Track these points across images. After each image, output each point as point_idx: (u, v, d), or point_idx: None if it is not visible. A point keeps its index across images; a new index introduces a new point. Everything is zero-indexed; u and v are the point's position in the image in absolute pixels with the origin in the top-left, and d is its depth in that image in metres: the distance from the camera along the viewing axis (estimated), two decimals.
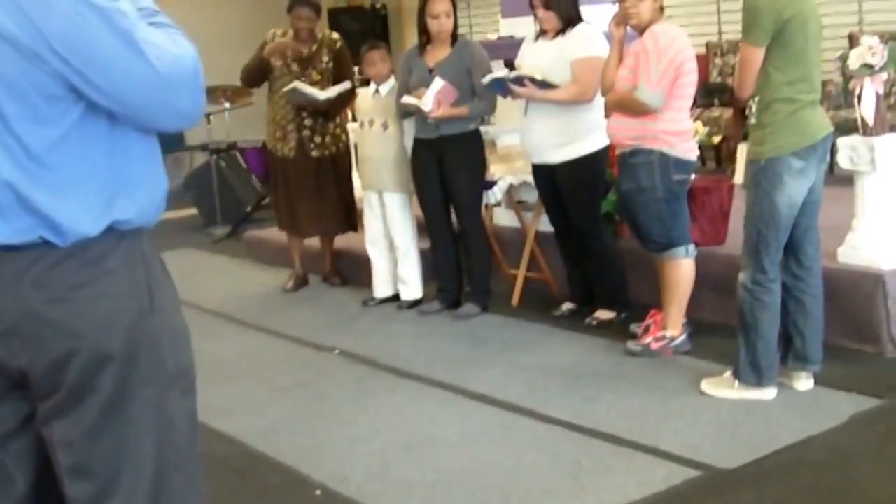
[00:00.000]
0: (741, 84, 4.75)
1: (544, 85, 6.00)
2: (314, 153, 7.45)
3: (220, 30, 12.64)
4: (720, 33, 10.71)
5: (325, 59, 7.42)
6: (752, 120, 4.77)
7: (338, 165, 7.53)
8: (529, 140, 6.27)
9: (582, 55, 6.00)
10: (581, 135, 6.08)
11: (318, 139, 7.46)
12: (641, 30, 5.45)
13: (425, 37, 6.62)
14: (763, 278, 4.73)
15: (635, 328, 5.90)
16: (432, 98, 6.36)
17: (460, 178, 6.60)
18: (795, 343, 4.88)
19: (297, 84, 7.19)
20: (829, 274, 5.45)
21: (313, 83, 7.30)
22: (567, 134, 6.07)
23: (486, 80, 6.28)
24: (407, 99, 6.48)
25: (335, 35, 7.61)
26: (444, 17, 6.50)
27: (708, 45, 10.32)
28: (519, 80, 6.07)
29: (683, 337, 5.61)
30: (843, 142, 5.37)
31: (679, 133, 5.40)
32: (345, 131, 7.66)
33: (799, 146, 4.62)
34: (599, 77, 5.83)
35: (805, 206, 4.74)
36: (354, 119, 7.48)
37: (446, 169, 6.61)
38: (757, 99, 4.71)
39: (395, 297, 7.13)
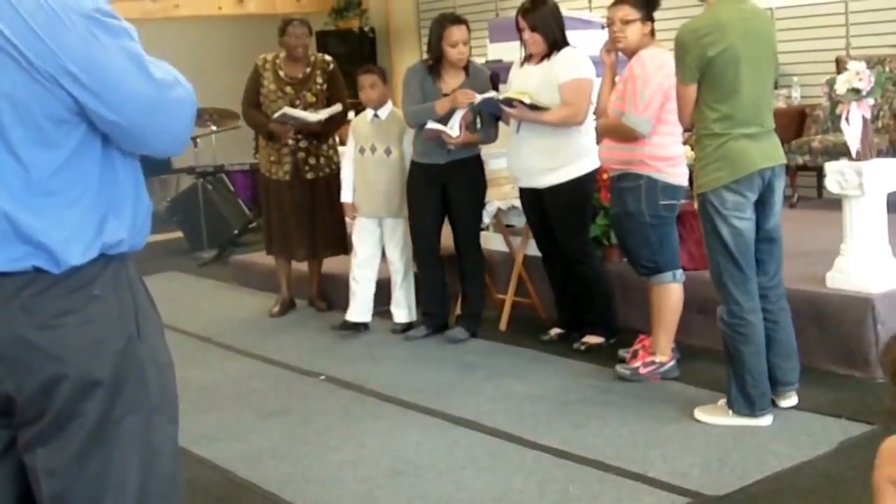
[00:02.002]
0: (679, 118, 4.92)
1: (534, 108, 6.02)
2: (309, 175, 7.46)
3: (206, 53, 12.65)
4: None
5: (320, 80, 7.44)
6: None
7: (331, 188, 7.52)
8: (518, 164, 6.28)
9: (570, 77, 6.02)
10: (570, 159, 6.09)
11: (312, 161, 7.47)
12: (630, 55, 5.48)
13: (437, 62, 6.58)
14: (738, 310, 4.74)
15: (623, 353, 5.90)
16: (458, 123, 6.37)
17: (466, 202, 6.63)
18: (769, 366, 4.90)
19: (286, 109, 7.21)
20: (817, 299, 5.48)
21: (308, 105, 7.32)
22: (556, 158, 6.08)
23: (478, 99, 6.30)
24: (432, 125, 6.43)
25: (327, 57, 7.62)
26: (463, 46, 6.50)
27: None
28: (509, 102, 6.10)
29: (672, 363, 5.61)
30: (830, 166, 5.39)
31: (667, 158, 5.42)
32: (337, 153, 7.67)
33: (728, 179, 4.64)
34: (588, 99, 5.85)
35: (759, 241, 4.77)
36: (343, 143, 7.47)
37: (452, 194, 6.61)
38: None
39: (366, 325, 7.09)
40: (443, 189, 6.62)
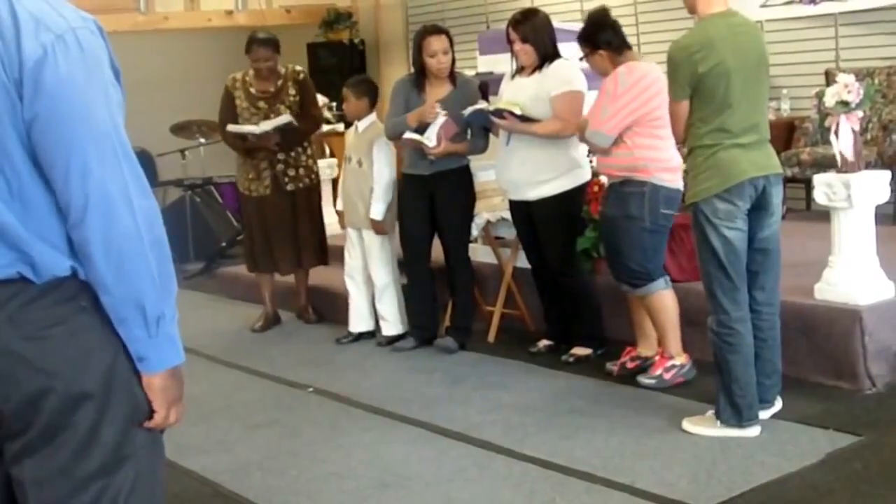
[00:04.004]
0: (673, 132, 4.99)
1: (524, 119, 6.04)
2: (289, 187, 7.49)
3: (195, 65, 12.67)
4: None
5: (292, 92, 7.46)
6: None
7: (311, 198, 7.59)
8: (507, 176, 6.30)
9: (561, 90, 6.04)
10: (559, 172, 6.12)
11: (291, 172, 7.49)
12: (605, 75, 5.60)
13: (421, 74, 6.64)
14: (727, 319, 4.77)
15: (611, 366, 5.94)
16: (435, 134, 6.41)
17: (452, 213, 6.65)
18: None
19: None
20: (806, 310, 5.51)
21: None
22: (546, 171, 6.11)
23: (468, 111, 6.33)
24: (409, 135, 6.48)
25: (297, 67, 7.63)
26: (442, 55, 6.53)
27: None
28: (499, 113, 6.11)
29: (690, 363, 5.65)
30: (819, 178, 5.43)
31: (669, 167, 5.49)
32: (316, 163, 7.72)
33: (719, 188, 4.68)
34: (580, 112, 5.89)
35: (753, 251, 4.81)
36: (333, 155, 7.52)
37: (439, 205, 6.64)
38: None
39: (370, 334, 7.13)
40: (430, 200, 6.65)
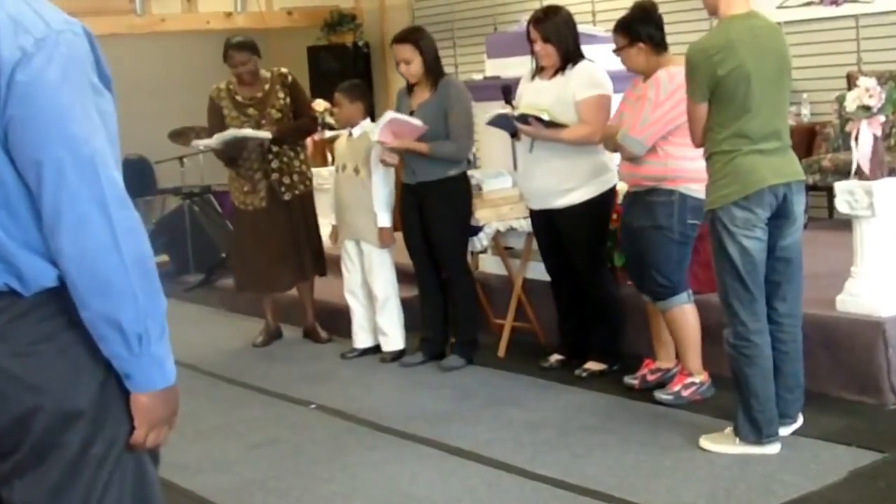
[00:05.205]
0: (691, 137, 4.94)
1: (550, 125, 5.99)
2: (286, 196, 7.43)
3: (193, 68, 12.68)
4: None
5: (281, 95, 7.44)
6: None
7: (306, 205, 7.57)
8: (531, 185, 6.27)
9: (588, 94, 6.00)
10: (586, 179, 6.09)
11: (286, 180, 7.44)
12: (646, 76, 5.55)
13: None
14: (744, 331, 4.77)
15: (630, 380, 5.94)
16: (380, 128, 6.48)
17: (441, 225, 6.63)
18: None
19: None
20: (827, 323, 5.51)
21: (275, 122, 7.34)
22: (573, 178, 6.07)
23: (490, 116, 6.32)
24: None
25: (283, 69, 7.60)
26: (404, 65, 6.56)
27: None
28: (524, 119, 6.07)
29: (709, 382, 5.65)
30: (840, 186, 5.42)
31: (698, 177, 5.45)
32: (310, 168, 7.71)
33: (737, 196, 4.69)
34: (607, 116, 5.86)
35: (774, 260, 4.81)
36: (335, 162, 7.51)
37: (427, 216, 6.65)
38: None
39: (376, 348, 7.14)
40: (420, 210, 6.68)
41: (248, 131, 7.23)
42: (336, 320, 7.60)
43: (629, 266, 5.84)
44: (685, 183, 5.46)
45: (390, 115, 6.53)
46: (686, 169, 5.43)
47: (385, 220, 6.88)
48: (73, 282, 2.20)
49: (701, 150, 5.19)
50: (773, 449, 4.84)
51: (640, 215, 5.61)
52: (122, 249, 2.20)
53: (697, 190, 5.43)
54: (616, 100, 5.92)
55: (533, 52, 6.20)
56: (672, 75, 5.42)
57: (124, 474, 2.33)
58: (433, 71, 6.61)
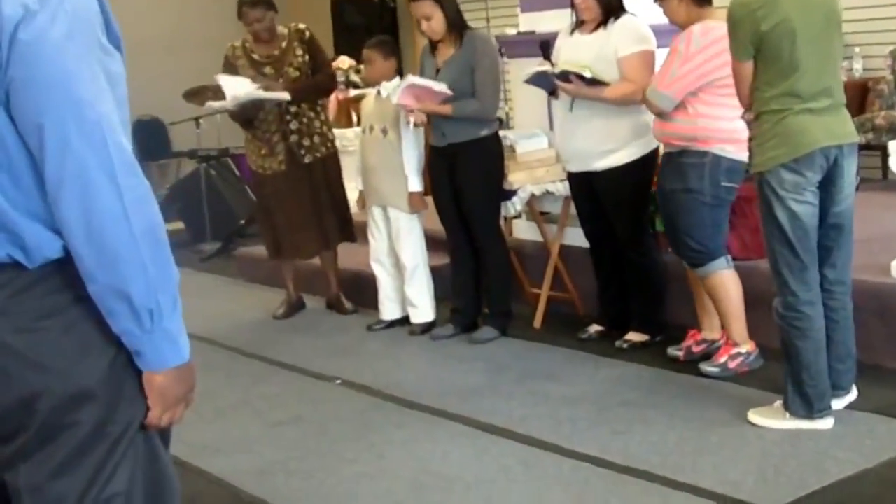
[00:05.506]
0: (738, 96, 4.90)
1: (593, 83, 5.95)
2: (306, 159, 7.40)
3: (209, 26, 12.66)
4: None
5: (299, 52, 7.40)
6: None
7: (329, 168, 7.54)
8: (571, 146, 6.24)
9: (632, 50, 5.96)
10: (628, 140, 6.06)
11: (306, 142, 7.41)
12: (683, 28, 5.49)
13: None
14: (795, 301, 4.72)
15: (675, 351, 5.91)
16: (400, 91, 6.47)
17: (472, 189, 6.61)
18: None
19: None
20: (881, 290, 5.47)
21: (293, 80, 7.30)
22: (615, 139, 6.04)
23: (529, 73, 6.27)
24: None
25: (301, 25, 7.55)
26: (426, 22, 6.51)
27: None
28: (565, 76, 6.03)
29: (757, 352, 5.62)
30: (894, 145, 5.37)
31: (732, 136, 5.41)
32: (331, 129, 7.68)
33: (787, 158, 4.63)
34: (651, 73, 5.81)
35: (826, 227, 4.76)
36: (360, 123, 7.48)
37: (458, 179, 6.62)
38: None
39: (404, 320, 7.13)
40: (451, 174, 6.65)
41: (265, 93, 7.20)
42: (362, 290, 7.60)
43: (667, 231, 5.81)
44: (719, 143, 5.42)
45: (410, 79, 6.50)
46: (720, 129, 5.39)
47: (416, 183, 6.85)
48: (79, 253, 2.17)
49: (737, 111, 5.16)
50: (825, 424, 4.80)
51: (671, 177, 5.58)
52: (130, 219, 2.18)
53: (732, 151, 5.40)
54: (661, 55, 5.86)
55: (573, 5, 6.15)
56: (708, 29, 5.37)
57: (136, 454, 2.32)
58: (456, 25, 6.56)
